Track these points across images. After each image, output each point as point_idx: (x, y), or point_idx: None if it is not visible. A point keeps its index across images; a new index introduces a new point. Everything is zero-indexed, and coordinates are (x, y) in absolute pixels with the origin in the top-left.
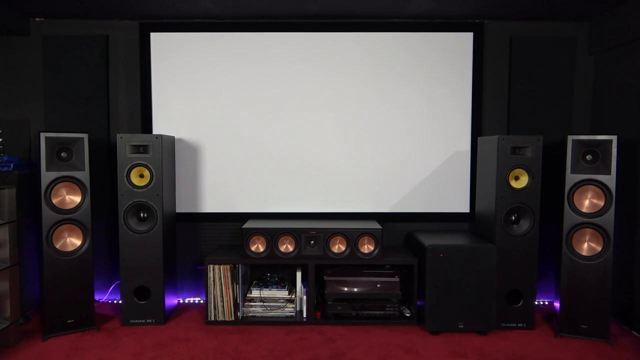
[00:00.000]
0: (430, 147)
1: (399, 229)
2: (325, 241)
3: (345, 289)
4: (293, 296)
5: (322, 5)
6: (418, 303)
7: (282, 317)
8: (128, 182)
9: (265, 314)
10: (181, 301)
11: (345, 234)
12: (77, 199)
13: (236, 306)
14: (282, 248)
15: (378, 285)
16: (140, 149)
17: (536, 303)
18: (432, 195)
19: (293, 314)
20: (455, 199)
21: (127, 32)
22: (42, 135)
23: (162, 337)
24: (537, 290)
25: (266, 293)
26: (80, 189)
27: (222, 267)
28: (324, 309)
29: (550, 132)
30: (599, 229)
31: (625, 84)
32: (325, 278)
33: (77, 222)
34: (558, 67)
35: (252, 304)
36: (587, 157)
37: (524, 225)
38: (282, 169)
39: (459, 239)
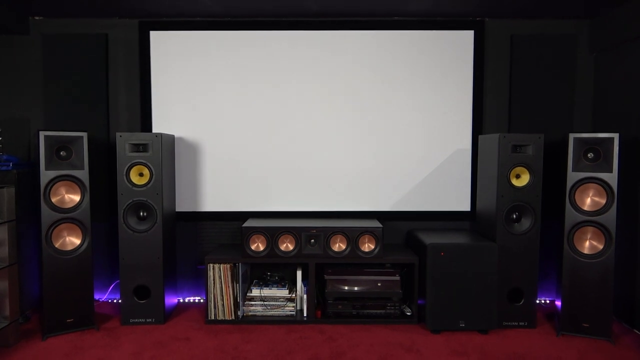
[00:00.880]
0: (431, 145)
1: (399, 228)
2: (325, 240)
3: (346, 287)
4: (293, 295)
5: (323, 4)
6: (419, 302)
7: (282, 316)
8: (128, 180)
9: (265, 313)
10: (181, 300)
11: (345, 232)
12: (77, 197)
13: (236, 305)
14: (283, 247)
15: (379, 284)
16: (140, 147)
17: (537, 302)
18: (432, 193)
19: (293, 313)
20: (456, 197)
21: (126, 30)
22: (42, 134)
23: (162, 336)
24: (539, 289)
25: (266, 292)
26: (80, 188)
27: (222, 266)
28: (325, 308)
29: (551, 130)
30: (601, 227)
31: (627, 81)
32: (326, 277)
33: (76, 221)
34: (559, 65)
35: (253, 303)
36: (589, 155)
37: (525, 223)
38: (283, 167)
39: (460, 237)
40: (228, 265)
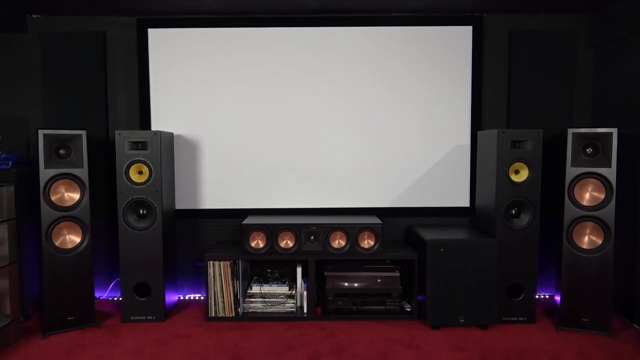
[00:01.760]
0: (430, 141)
1: (399, 224)
2: (325, 236)
3: (346, 284)
4: (293, 292)
5: (322, 1)
6: (419, 298)
7: (282, 312)
8: (127, 178)
9: (265, 310)
10: (181, 298)
11: (345, 229)
12: (76, 196)
13: (236, 302)
14: (282, 244)
15: (378, 280)
16: (139, 145)
17: (537, 297)
18: (432, 189)
19: (294, 309)
20: (455, 193)
21: (124, 28)
22: (40, 133)
23: (162, 333)
24: (538, 284)
25: (266, 289)
26: (79, 186)
27: (222, 263)
28: (325, 304)
29: (550, 126)
30: (600, 222)
31: (626, 76)
32: (326, 273)
33: (76, 219)
34: (558, 60)
35: (253, 300)
36: (588, 150)
37: (525, 219)
38: (282, 164)
39: (459, 233)
40: (228, 263)
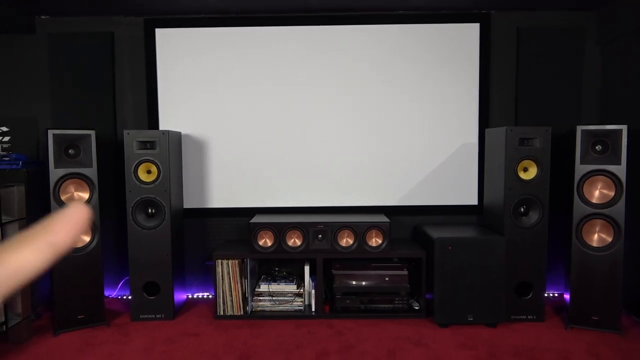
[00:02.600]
0: (438, 139)
1: (406, 222)
2: (333, 235)
3: (354, 282)
4: (301, 290)
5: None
6: (427, 296)
7: (290, 311)
8: (135, 178)
9: (274, 308)
10: (190, 296)
11: (353, 227)
12: (86, 195)
13: (245, 301)
14: (290, 242)
15: (386, 279)
16: (147, 144)
17: (546, 295)
18: (440, 188)
19: (302, 308)
20: (463, 191)
21: (132, 28)
22: (50, 133)
23: (171, 332)
24: (547, 282)
25: (274, 287)
26: (89, 186)
27: (230, 262)
28: (333, 302)
29: (558, 123)
30: (610, 220)
31: (635, 73)
32: (334, 272)
33: None
34: (566, 57)
35: (261, 298)
36: (597, 147)
37: (533, 216)
38: (289, 163)
39: (468, 231)
40: (236, 261)
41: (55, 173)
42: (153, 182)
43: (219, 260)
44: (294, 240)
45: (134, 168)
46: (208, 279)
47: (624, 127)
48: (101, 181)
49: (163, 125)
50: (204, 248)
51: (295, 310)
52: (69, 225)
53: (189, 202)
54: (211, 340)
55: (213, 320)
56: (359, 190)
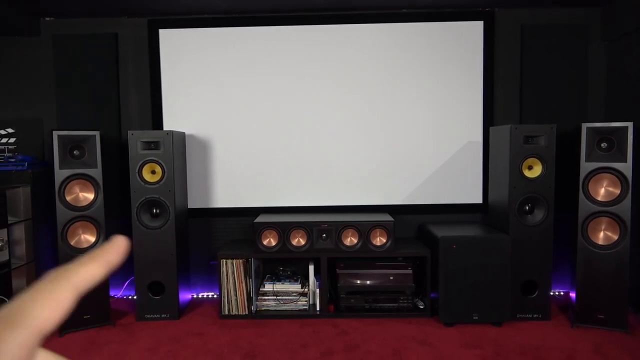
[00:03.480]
0: (442, 138)
1: (411, 221)
2: (337, 234)
3: (358, 281)
4: (306, 289)
5: None
6: (432, 295)
7: (295, 310)
8: (140, 178)
9: (278, 308)
10: (195, 296)
11: (357, 226)
12: (91, 196)
13: (249, 300)
14: (294, 242)
15: (391, 278)
16: (152, 145)
17: (552, 293)
18: (444, 186)
19: (306, 307)
20: (467, 190)
21: (135, 29)
22: (55, 134)
23: (176, 331)
24: (553, 281)
25: (279, 287)
26: (94, 186)
27: (234, 261)
28: (337, 302)
29: (563, 121)
30: (615, 218)
31: None
32: (338, 271)
33: (91, 219)
34: (571, 55)
35: (266, 297)
36: (602, 145)
37: (538, 215)
38: (293, 162)
39: (472, 230)
40: (241, 261)
41: (60, 174)
42: (157, 182)
43: (224, 260)
44: (298, 240)
45: (139, 168)
46: (213, 278)
47: (629, 124)
48: (106, 182)
49: (167, 126)
50: (209, 248)
51: (300, 310)
52: (106, 257)
53: (194, 202)
54: (216, 340)
55: (218, 319)
56: (362, 189)
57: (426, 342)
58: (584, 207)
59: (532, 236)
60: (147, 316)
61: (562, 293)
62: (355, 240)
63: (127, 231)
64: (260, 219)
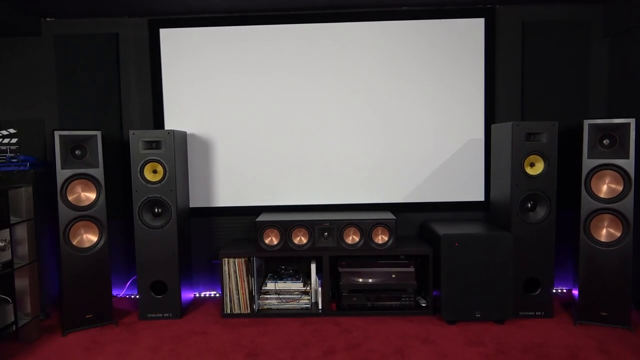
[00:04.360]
0: (444, 135)
1: (413, 219)
2: (338, 232)
3: (360, 280)
4: (308, 288)
5: None
6: (434, 293)
7: (297, 309)
8: (142, 178)
9: (280, 306)
10: (197, 295)
11: (358, 224)
12: (92, 195)
13: (252, 299)
14: (296, 240)
15: (393, 276)
16: (153, 144)
17: (554, 291)
18: (446, 184)
19: (308, 305)
20: (469, 187)
21: (136, 29)
22: (57, 134)
23: (179, 330)
24: (555, 278)
25: (281, 285)
26: (95, 186)
27: (236, 260)
28: (339, 300)
29: (565, 117)
30: (618, 215)
31: None
32: (340, 269)
33: (93, 219)
34: (572, 51)
35: (268, 296)
36: (604, 141)
37: (540, 212)
38: (294, 161)
39: (474, 227)
40: (243, 260)
41: (62, 174)
42: (159, 181)
43: (226, 259)
44: (300, 238)
45: (140, 168)
46: (215, 277)
47: (632, 121)
48: (108, 181)
49: (168, 125)
50: (211, 247)
51: (302, 308)
52: None
53: (195, 201)
54: (218, 339)
55: (220, 318)
56: (364, 187)
57: (429, 340)
58: (587, 204)
59: (535, 233)
60: (149, 315)
61: (564, 290)
62: (357, 239)
63: (129, 231)
64: (262, 217)
